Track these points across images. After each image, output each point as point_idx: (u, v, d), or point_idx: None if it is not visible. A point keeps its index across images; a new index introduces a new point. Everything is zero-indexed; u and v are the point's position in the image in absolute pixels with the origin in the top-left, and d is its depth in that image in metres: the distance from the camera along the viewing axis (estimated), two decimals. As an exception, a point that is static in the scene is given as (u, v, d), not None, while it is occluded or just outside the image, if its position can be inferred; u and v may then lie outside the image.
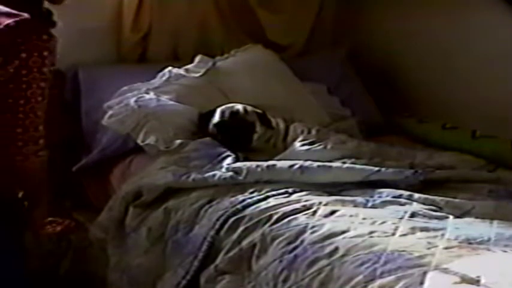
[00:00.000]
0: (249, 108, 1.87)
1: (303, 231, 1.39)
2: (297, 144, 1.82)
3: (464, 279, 1.18)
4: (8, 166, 1.17)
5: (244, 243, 1.43)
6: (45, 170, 1.22)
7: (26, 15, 1.13)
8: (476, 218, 1.48)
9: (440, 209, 1.52)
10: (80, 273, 1.72)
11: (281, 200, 1.52)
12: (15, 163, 1.16)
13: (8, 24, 1.11)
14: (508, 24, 2.00)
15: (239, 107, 1.86)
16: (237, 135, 1.81)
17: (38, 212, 1.26)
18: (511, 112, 2.02)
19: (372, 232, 1.36)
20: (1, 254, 1.24)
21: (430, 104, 2.23)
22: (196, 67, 2.07)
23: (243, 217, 1.48)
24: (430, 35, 2.22)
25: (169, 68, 2.03)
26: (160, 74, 2.02)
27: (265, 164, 1.66)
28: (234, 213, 1.50)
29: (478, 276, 1.19)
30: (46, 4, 1.23)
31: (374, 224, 1.40)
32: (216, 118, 1.84)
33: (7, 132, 1.14)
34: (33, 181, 1.21)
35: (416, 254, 1.27)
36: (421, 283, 1.17)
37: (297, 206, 1.48)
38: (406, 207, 1.51)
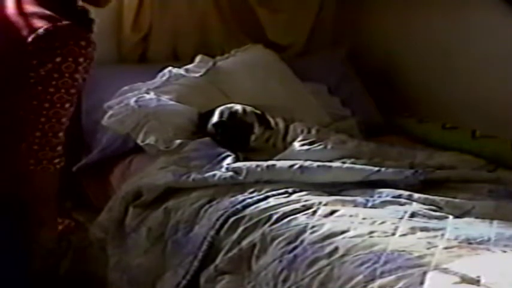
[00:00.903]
0: (248, 108, 1.88)
1: (302, 231, 1.39)
2: (297, 144, 1.82)
3: (464, 279, 1.19)
4: (20, 168, 1.15)
5: (244, 243, 1.44)
6: (57, 176, 1.20)
7: (66, 21, 1.12)
8: (476, 218, 1.48)
9: (440, 209, 1.53)
10: (80, 273, 1.72)
11: (281, 200, 1.53)
12: (27, 166, 1.14)
13: (47, 29, 1.10)
14: (508, 24, 2.00)
15: (238, 107, 1.86)
16: (235, 136, 1.81)
17: (47, 212, 1.24)
18: (511, 112, 2.02)
19: (371, 232, 1.37)
20: (5, 253, 1.23)
21: (430, 104, 2.23)
22: (197, 67, 2.07)
23: (243, 217, 1.48)
24: (430, 35, 2.22)
25: (170, 68, 2.03)
26: (161, 74, 2.02)
27: (265, 164, 1.66)
28: (234, 213, 1.50)
29: (478, 276, 1.19)
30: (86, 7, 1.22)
31: (374, 224, 1.41)
32: (215, 118, 1.84)
33: (26, 133, 1.12)
34: (42, 186, 1.19)
35: (416, 254, 1.27)
36: (421, 283, 1.17)
37: (297, 206, 1.49)
38: (406, 207, 1.51)
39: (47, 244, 1.28)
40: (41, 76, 1.09)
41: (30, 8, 1.16)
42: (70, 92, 1.11)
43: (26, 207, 1.22)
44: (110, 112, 1.87)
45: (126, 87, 1.94)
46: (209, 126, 1.84)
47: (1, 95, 1.15)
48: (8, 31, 1.15)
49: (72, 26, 1.12)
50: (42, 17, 1.13)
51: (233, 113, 1.84)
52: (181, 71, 2.04)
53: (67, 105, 1.12)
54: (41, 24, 1.11)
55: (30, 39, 1.10)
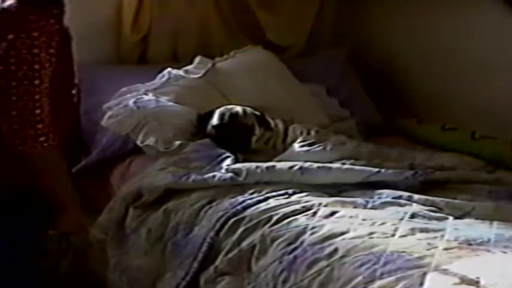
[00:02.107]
0: (248, 110, 1.88)
1: (302, 232, 1.39)
2: (297, 145, 1.83)
3: (464, 280, 1.19)
4: (15, 152, 1.14)
5: (244, 244, 1.44)
6: (56, 158, 1.18)
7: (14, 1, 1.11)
8: (476, 219, 1.49)
9: (440, 210, 1.53)
10: (80, 273, 1.72)
11: (281, 201, 1.53)
12: (15, 147, 1.13)
13: None
14: (509, 25, 2.00)
15: (238, 109, 1.86)
16: (236, 138, 1.81)
17: (63, 196, 1.24)
18: (511, 113, 2.02)
19: (371, 233, 1.37)
20: (17, 250, 1.23)
21: (430, 105, 2.24)
22: (196, 68, 2.07)
23: (243, 218, 1.49)
24: (431, 37, 2.22)
25: (169, 69, 2.03)
26: (160, 75, 2.02)
27: (264, 165, 1.66)
28: (233, 214, 1.50)
29: (478, 277, 1.19)
30: None
31: (374, 225, 1.41)
32: (215, 120, 1.84)
33: (4, 114, 1.12)
34: (43, 168, 1.17)
35: (416, 255, 1.27)
36: (421, 284, 1.17)
37: (297, 207, 1.49)
38: (406, 208, 1.52)
39: (69, 229, 1.27)
40: (0, 57, 1.09)
41: None
42: (34, 68, 1.09)
43: (44, 197, 1.21)
44: (109, 113, 1.87)
45: (125, 88, 1.95)
46: (209, 127, 1.84)
47: None
48: None
49: (19, 4, 1.11)
50: None
51: (234, 115, 1.84)
52: (181, 72, 2.04)
53: (36, 81, 1.10)
54: None
55: None
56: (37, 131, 1.12)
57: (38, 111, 1.11)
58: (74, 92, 1.24)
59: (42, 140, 1.12)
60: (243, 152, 1.77)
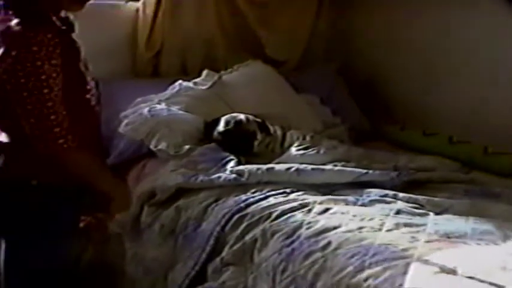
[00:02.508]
0: (250, 117, 1.88)
1: (299, 227, 1.40)
2: (293, 149, 1.83)
3: (443, 270, 1.19)
4: (45, 155, 1.15)
5: (247, 238, 1.44)
6: (81, 161, 1.18)
7: (16, 23, 1.12)
8: (454, 214, 1.49)
9: (421, 207, 1.53)
10: (100, 265, 1.72)
11: (280, 199, 1.53)
12: (40, 150, 1.14)
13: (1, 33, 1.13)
14: (488, 37, 1.99)
15: (242, 116, 1.86)
16: (240, 143, 1.81)
17: (106, 187, 1.24)
18: (483, 119, 2.02)
19: (361, 227, 1.37)
20: (57, 234, 1.23)
21: (412, 113, 2.24)
22: (203, 80, 2.07)
23: (246, 214, 1.49)
24: (411, 55, 2.22)
25: (179, 81, 2.03)
26: (171, 86, 2.02)
27: (265, 167, 1.67)
28: (237, 211, 1.50)
29: (455, 267, 1.20)
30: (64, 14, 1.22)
31: (363, 221, 1.41)
32: (221, 127, 1.84)
33: (25, 122, 1.13)
34: (76, 166, 1.17)
35: (401, 247, 1.28)
36: (405, 273, 1.18)
37: (294, 204, 1.49)
38: (392, 205, 1.52)
39: (120, 210, 1.28)
40: (9, 72, 1.10)
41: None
42: (41, 79, 1.09)
43: (92, 194, 1.22)
44: (126, 121, 1.88)
45: (140, 99, 1.95)
46: (215, 133, 1.84)
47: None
48: None
49: (20, 23, 1.12)
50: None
51: (238, 122, 1.84)
52: (190, 84, 2.04)
53: (45, 90, 1.10)
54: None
55: None
56: (55, 134, 1.12)
57: (53, 116, 1.11)
58: (88, 96, 1.24)
59: (61, 142, 1.13)
60: (246, 155, 1.77)
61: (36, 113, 1.12)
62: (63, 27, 1.21)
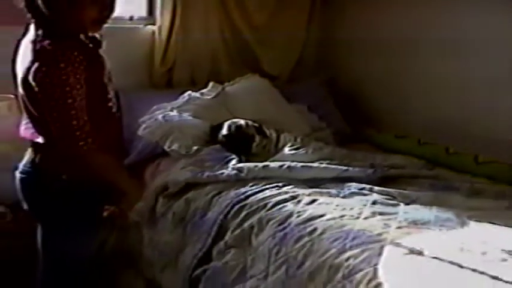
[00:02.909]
0: (249, 122, 1.88)
1: (290, 215, 1.40)
2: (286, 149, 1.83)
3: (412, 251, 1.20)
4: (69, 155, 1.16)
5: (246, 224, 1.44)
6: (101, 160, 1.17)
7: (47, 42, 1.13)
8: (420, 205, 1.50)
9: (394, 198, 1.54)
10: (121, 248, 1.72)
11: (274, 191, 1.53)
12: (64, 151, 1.15)
13: (34, 50, 1.14)
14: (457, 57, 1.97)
15: (242, 122, 1.87)
16: (241, 144, 1.81)
17: (122, 182, 1.24)
18: (447, 124, 2.02)
19: (342, 216, 1.38)
20: (83, 224, 1.23)
21: (386, 119, 2.24)
22: (209, 91, 2.07)
23: (245, 205, 1.49)
24: (386, 73, 2.22)
25: (189, 92, 2.03)
26: (182, 96, 2.02)
27: (261, 164, 1.67)
28: (238, 202, 1.51)
29: (422, 249, 1.21)
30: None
31: (344, 210, 1.42)
32: (224, 131, 1.84)
33: (54, 127, 1.14)
34: (96, 165, 1.18)
35: (376, 232, 1.29)
36: (380, 254, 1.19)
37: (286, 196, 1.50)
38: (368, 197, 1.53)
39: (130, 207, 1.27)
40: (40, 84, 1.11)
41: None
42: (65, 90, 1.10)
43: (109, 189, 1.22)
44: (144, 125, 1.87)
45: (155, 107, 1.94)
46: (220, 136, 1.84)
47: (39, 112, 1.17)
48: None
49: (51, 43, 1.13)
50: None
51: (239, 126, 1.84)
52: (197, 94, 2.04)
53: (69, 100, 1.11)
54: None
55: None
56: (77, 137, 1.13)
57: (74, 122, 1.12)
58: (110, 104, 1.24)
59: (82, 144, 1.13)
60: (246, 155, 1.77)
61: (60, 118, 1.13)
62: (90, 45, 1.21)
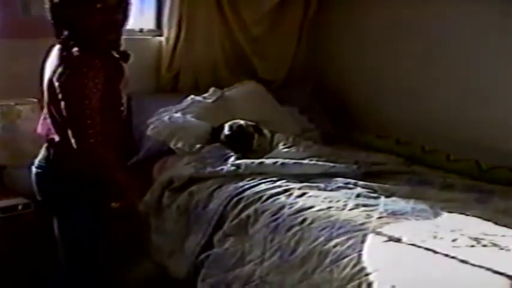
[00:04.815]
0: (248, 122, 1.87)
1: (283, 207, 1.40)
2: (279, 147, 1.83)
3: (391, 239, 1.21)
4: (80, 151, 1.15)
5: (243, 215, 1.44)
6: (103, 155, 1.16)
7: (77, 54, 1.14)
8: (399, 197, 1.50)
9: (375, 192, 1.54)
10: (131, 236, 1.71)
11: (268, 185, 1.53)
12: (77, 146, 1.14)
13: (61, 55, 1.15)
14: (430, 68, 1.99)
15: (242, 122, 1.85)
16: (243, 141, 1.79)
17: (119, 182, 1.21)
18: (423, 125, 2.03)
19: (329, 207, 1.38)
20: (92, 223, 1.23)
21: (368, 121, 2.25)
22: (211, 95, 2.06)
23: (243, 197, 1.49)
24: (367, 80, 2.23)
25: (192, 96, 2.02)
26: (186, 100, 2.01)
27: (257, 161, 1.67)
28: (236, 195, 1.50)
29: (400, 236, 1.22)
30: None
31: (331, 202, 1.42)
32: (227, 130, 1.83)
33: (71, 125, 1.14)
34: (99, 159, 1.16)
35: (359, 222, 1.29)
36: (363, 242, 1.20)
37: (279, 189, 1.49)
38: (353, 190, 1.53)
39: (125, 208, 1.25)
40: (63, 85, 1.13)
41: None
42: (84, 92, 1.11)
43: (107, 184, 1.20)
44: (152, 126, 1.86)
45: (162, 109, 1.93)
46: (222, 136, 1.83)
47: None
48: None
49: (78, 52, 1.13)
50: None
51: (239, 126, 1.83)
52: (200, 98, 2.03)
53: (86, 101, 1.11)
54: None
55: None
56: (89, 135, 1.13)
57: (89, 121, 1.13)
58: (122, 108, 1.25)
59: (92, 141, 1.14)
60: (248, 151, 1.75)
61: (76, 117, 1.13)
62: (117, 56, 1.22)
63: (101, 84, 1.14)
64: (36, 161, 1.26)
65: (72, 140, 1.14)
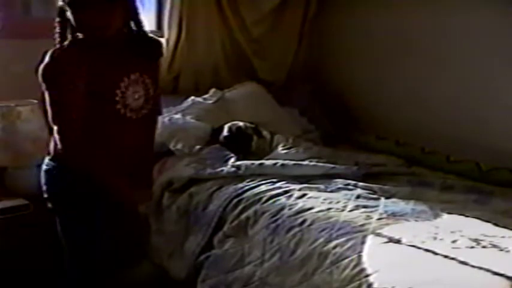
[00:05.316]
0: (248, 124, 1.88)
1: (282, 208, 1.40)
2: (279, 148, 1.83)
3: (391, 240, 1.21)
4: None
5: (243, 216, 1.44)
6: (80, 151, 1.14)
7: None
8: (399, 199, 1.51)
9: (375, 193, 1.54)
10: (131, 237, 1.70)
11: (268, 186, 1.53)
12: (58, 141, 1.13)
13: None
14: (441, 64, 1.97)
15: (241, 124, 1.86)
16: (241, 143, 1.80)
17: (113, 186, 1.18)
18: (424, 126, 2.03)
19: (329, 208, 1.38)
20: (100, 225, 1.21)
21: (368, 123, 2.25)
22: (211, 96, 2.07)
23: (242, 199, 1.49)
24: (367, 82, 2.23)
25: (192, 97, 2.02)
26: (186, 101, 2.01)
27: (257, 162, 1.67)
28: (236, 196, 1.50)
29: (400, 237, 1.22)
30: None
31: (331, 203, 1.42)
32: (225, 132, 1.83)
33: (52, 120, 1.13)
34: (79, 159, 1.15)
35: (359, 223, 1.29)
36: (363, 243, 1.20)
37: (279, 191, 1.50)
38: (353, 191, 1.53)
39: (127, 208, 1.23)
40: (40, 76, 1.11)
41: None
42: (56, 83, 1.09)
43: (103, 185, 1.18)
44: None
45: (162, 110, 1.95)
46: (221, 137, 1.83)
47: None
48: None
49: (59, 51, 1.12)
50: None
51: (238, 128, 1.83)
52: (200, 99, 2.03)
53: (57, 96, 1.09)
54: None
55: None
56: (64, 128, 1.10)
57: (64, 116, 1.09)
58: (119, 106, 1.18)
59: (68, 134, 1.10)
60: (246, 154, 1.76)
61: (51, 110, 1.10)
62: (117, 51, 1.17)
63: (82, 80, 1.09)
64: (46, 159, 1.22)
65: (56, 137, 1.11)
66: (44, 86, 1.11)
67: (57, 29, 1.16)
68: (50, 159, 1.22)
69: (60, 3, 1.14)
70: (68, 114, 1.10)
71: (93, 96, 1.13)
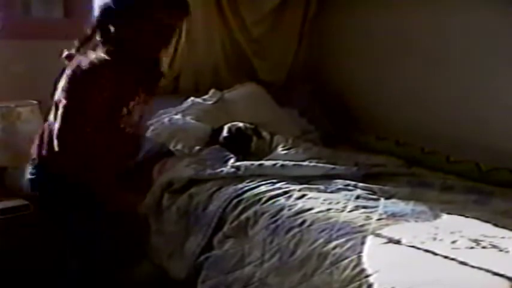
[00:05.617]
0: (247, 125, 1.88)
1: (282, 208, 1.40)
2: (279, 149, 1.83)
3: (391, 240, 1.21)
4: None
5: (243, 217, 1.44)
6: (81, 156, 1.16)
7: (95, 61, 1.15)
8: (398, 199, 1.50)
9: (375, 193, 1.54)
10: (131, 238, 1.71)
11: (268, 187, 1.53)
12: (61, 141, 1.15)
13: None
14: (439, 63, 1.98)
15: (241, 124, 1.86)
16: (241, 144, 1.80)
17: (105, 192, 1.21)
18: (424, 126, 2.03)
19: (329, 209, 1.38)
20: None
21: (368, 123, 2.25)
22: (210, 97, 2.07)
23: (242, 199, 1.49)
24: (366, 82, 2.23)
25: (192, 97, 2.03)
26: (186, 101, 2.01)
27: (257, 162, 1.67)
28: (235, 197, 1.50)
29: (400, 238, 1.22)
30: None
31: (331, 204, 1.42)
32: (225, 132, 1.83)
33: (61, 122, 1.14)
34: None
35: (359, 224, 1.29)
36: (363, 243, 1.19)
37: (279, 191, 1.49)
38: (352, 192, 1.53)
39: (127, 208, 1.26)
40: (65, 85, 1.14)
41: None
42: (80, 96, 1.13)
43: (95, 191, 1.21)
44: (151, 128, 1.86)
45: (162, 111, 1.93)
46: (221, 138, 1.83)
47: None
48: None
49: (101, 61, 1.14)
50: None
51: (238, 128, 1.84)
52: (200, 100, 2.03)
53: (82, 106, 1.13)
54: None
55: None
56: (74, 134, 1.13)
57: (78, 122, 1.13)
58: (122, 125, 1.25)
59: (72, 140, 1.13)
60: (245, 154, 1.76)
61: (67, 114, 1.13)
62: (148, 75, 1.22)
63: (107, 97, 1.13)
64: (30, 168, 1.25)
65: (55, 142, 1.13)
66: (68, 93, 1.13)
67: (87, 34, 1.17)
68: (35, 167, 1.23)
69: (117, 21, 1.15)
70: (83, 127, 1.14)
71: (107, 110, 1.17)
